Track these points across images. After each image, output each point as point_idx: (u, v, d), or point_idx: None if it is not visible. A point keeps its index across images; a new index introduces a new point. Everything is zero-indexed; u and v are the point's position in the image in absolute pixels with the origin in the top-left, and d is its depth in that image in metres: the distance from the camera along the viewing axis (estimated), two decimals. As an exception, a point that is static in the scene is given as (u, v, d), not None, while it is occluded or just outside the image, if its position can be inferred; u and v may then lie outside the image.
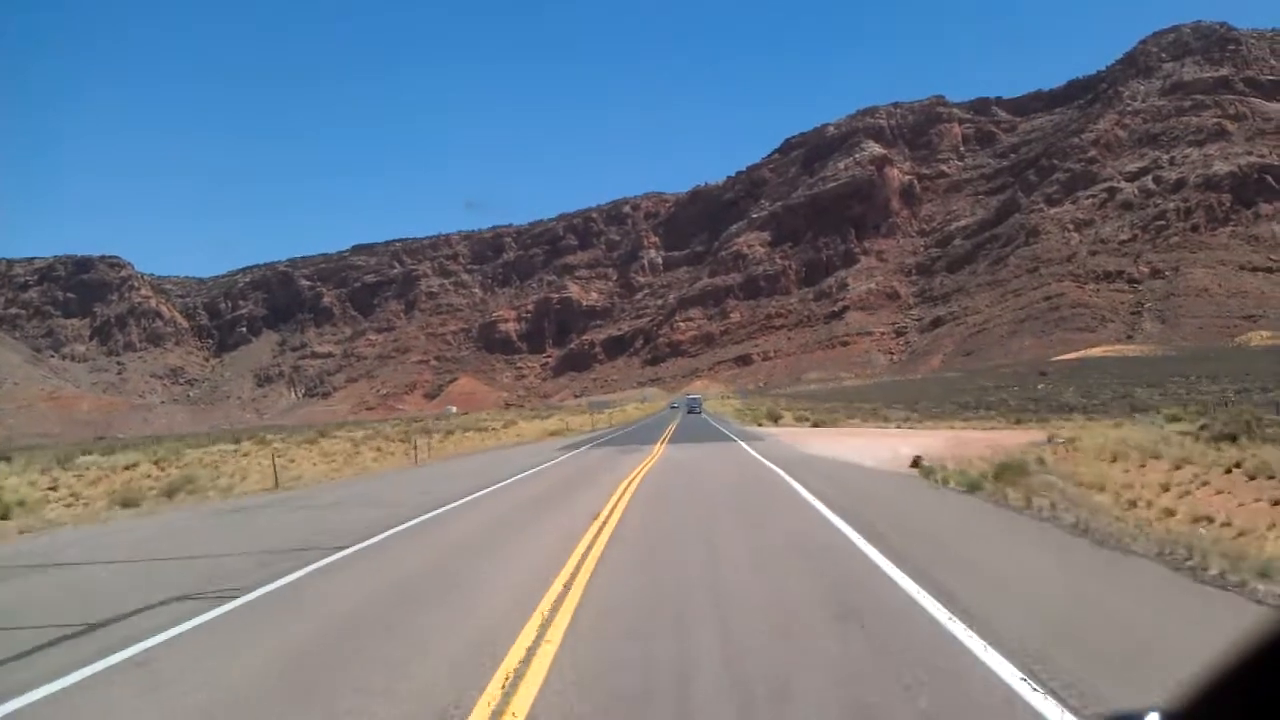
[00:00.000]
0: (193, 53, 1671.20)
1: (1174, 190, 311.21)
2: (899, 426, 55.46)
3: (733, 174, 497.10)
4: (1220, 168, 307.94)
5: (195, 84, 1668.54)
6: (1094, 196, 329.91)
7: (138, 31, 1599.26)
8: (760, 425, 68.69)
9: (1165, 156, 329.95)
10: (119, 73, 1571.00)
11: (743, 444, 40.46)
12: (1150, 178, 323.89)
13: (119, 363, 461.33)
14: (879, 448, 30.76)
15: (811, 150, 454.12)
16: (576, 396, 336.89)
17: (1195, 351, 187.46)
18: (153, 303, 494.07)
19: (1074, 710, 5.40)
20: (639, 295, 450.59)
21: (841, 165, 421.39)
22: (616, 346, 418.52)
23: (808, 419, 72.77)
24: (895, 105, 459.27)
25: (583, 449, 44.27)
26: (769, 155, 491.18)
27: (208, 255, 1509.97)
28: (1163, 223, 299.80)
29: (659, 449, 39.54)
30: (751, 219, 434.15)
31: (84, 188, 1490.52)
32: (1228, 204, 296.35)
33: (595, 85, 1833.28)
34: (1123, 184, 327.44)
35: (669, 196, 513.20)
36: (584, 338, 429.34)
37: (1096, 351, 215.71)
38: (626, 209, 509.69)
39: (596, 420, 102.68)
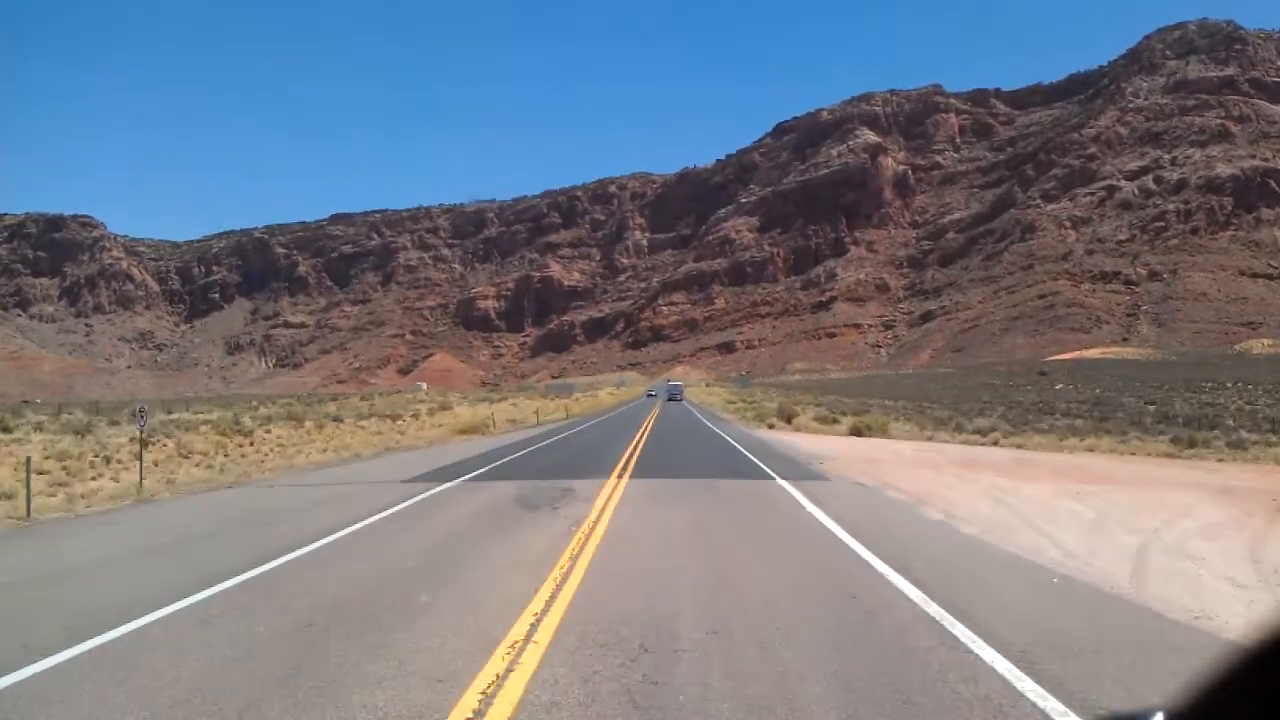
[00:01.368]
0: (173, 8, 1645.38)
1: (1174, 191, 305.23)
2: (995, 443, 36.48)
3: (722, 157, 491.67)
4: (1222, 170, 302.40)
5: (175, 39, 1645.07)
6: (1092, 194, 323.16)
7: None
8: (770, 427, 51.40)
9: (1166, 156, 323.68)
10: (96, 30, 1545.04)
11: (786, 485, 20.19)
12: (1150, 177, 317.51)
13: (87, 324, 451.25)
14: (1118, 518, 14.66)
15: (804, 135, 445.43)
16: (554, 377, 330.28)
17: (1196, 357, 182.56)
18: (124, 264, 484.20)
19: None
20: (622, 277, 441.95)
21: (834, 152, 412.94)
22: (597, 328, 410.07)
23: (834, 420, 53.31)
24: (891, 93, 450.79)
25: (455, 485, 21.48)
26: (760, 139, 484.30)
27: (184, 218, 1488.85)
28: (1162, 224, 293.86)
29: (609, 494, 18.59)
30: (740, 204, 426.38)
31: (57, 144, 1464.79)
32: (1229, 207, 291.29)
33: (585, 61, 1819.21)
34: (1122, 183, 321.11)
35: (656, 177, 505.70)
36: (564, 318, 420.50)
37: (1093, 353, 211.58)
38: (612, 189, 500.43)
39: (550, 410, 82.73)
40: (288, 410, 70.47)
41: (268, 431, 47.20)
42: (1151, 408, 55.99)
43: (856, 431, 43.72)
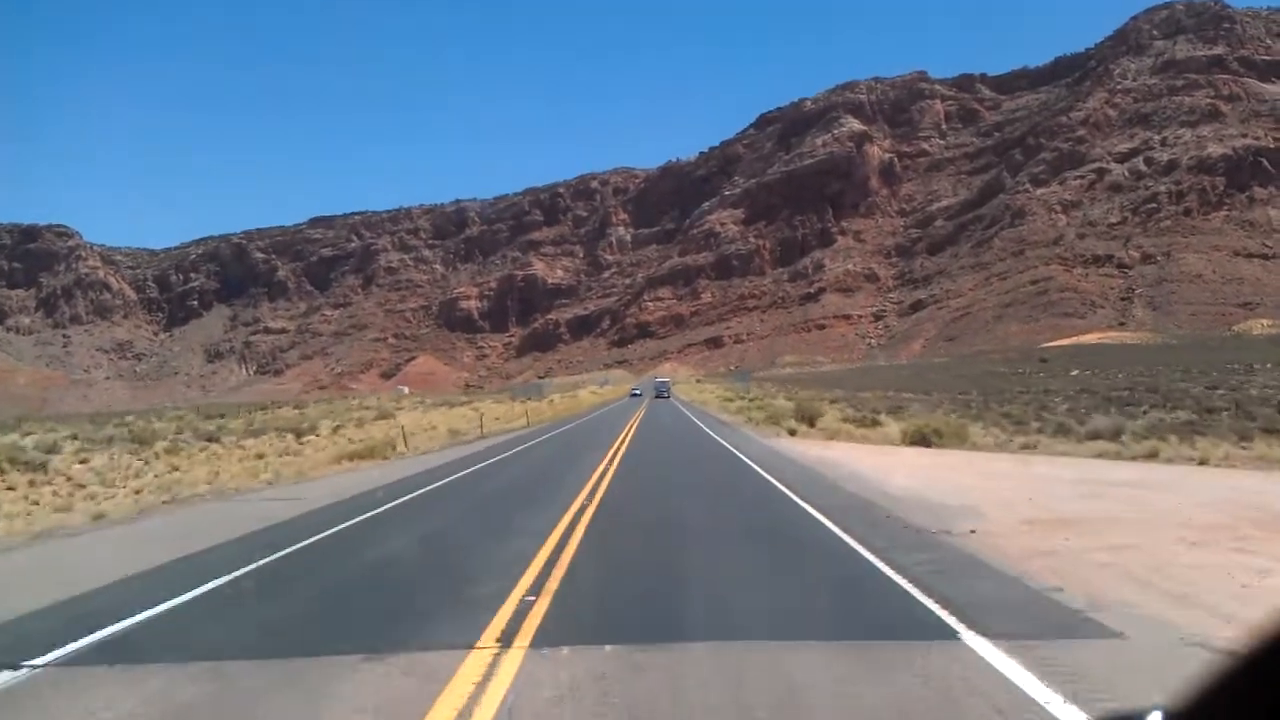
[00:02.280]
0: (144, 14, 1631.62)
1: (1165, 172, 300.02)
2: (1098, 454, 26.80)
3: (705, 150, 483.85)
4: (1214, 150, 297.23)
5: (147, 45, 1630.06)
6: (1082, 177, 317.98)
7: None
8: (792, 434, 40.84)
9: (1156, 137, 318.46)
10: (68, 38, 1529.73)
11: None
12: (1141, 159, 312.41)
13: (65, 335, 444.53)
14: None
15: (788, 126, 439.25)
16: (540, 377, 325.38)
17: (1195, 340, 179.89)
18: (101, 274, 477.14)
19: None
20: (606, 274, 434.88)
21: (819, 142, 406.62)
22: (582, 326, 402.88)
23: (872, 422, 42.18)
24: (876, 80, 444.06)
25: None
26: (743, 131, 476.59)
27: (161, 225, 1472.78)
28: (1154, 206, 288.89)
29: None
30: (724, 196, 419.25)
31: (30, 153, 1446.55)
32: (1221, 187, 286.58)
33: (564, 57, 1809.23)
34: (1112, 165, 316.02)
35: (639, 172, 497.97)
36: (548, 317, 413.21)
37: (1090, 338, 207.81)
38: (595, 184, 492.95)
39: (513, 416, 68.88)
40: (144, 429, 58.04)
41: (83, 462, 37.89)
42: (1215, 393, 49.38)
43: (921, 440, 32.20)
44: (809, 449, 32.77)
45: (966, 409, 49.26)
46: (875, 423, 41.91)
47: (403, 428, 48.43)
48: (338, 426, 57.24)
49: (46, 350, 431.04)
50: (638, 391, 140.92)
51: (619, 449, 33.41)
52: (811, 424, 44.10)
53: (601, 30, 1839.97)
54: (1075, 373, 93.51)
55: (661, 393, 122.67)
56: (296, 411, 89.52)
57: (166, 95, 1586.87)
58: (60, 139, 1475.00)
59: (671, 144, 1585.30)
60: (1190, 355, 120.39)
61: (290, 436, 49.46)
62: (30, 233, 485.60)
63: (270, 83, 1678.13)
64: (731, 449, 33.34)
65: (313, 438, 49.61)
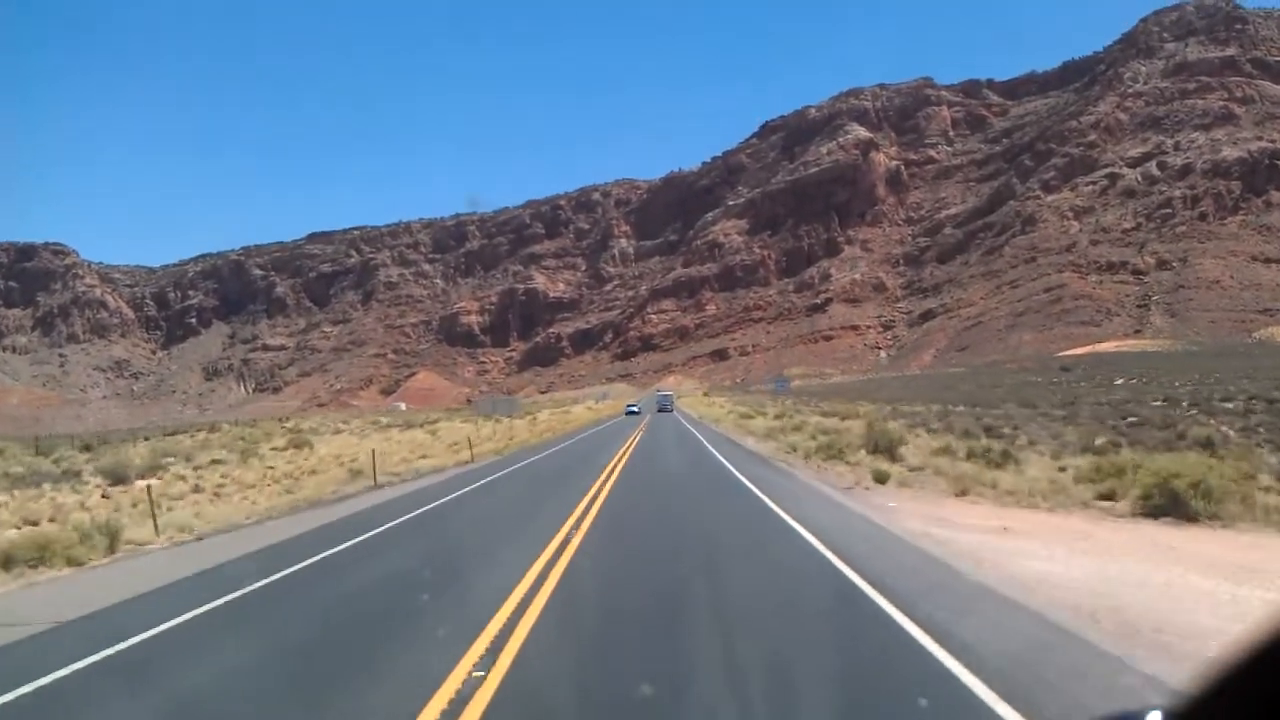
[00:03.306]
0: (141, 29, 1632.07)
1: (1180, 177, 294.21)
2: None
3: (708, 159, 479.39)
4: (1228, 153, 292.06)
5: (142, 60, 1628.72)
6: (1094, 183, 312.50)
7: (84, 8, 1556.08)
8: (880, 482, 24.67)
9: (1169, 141, 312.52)
10: (62, 53, 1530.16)
11: None
12: (1154, 163, 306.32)
13: (61, 355, 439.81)
14: None
15: (792, 134, 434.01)
16: (542, 392, 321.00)
17: (1219, 347, 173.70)
18: (98, 292, 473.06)
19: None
20: (609, 286, 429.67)
21: (824, 150, 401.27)
22: (584, 340, 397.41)
23: (986, 458, 27.17)
24: (881, 87, 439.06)
25: None
26: (746, 139, 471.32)
27: (159, 243, 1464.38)
28: (1168, 211, 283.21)
29: None
30: (728, 206, 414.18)
31: (25, 171, 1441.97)
32: (1237, 191, 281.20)
33: (563, 66, 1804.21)
34: (1125, 170, 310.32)
35: (641, 183, 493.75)
36: (550, 330, 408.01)
37: (1107, 347, 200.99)
38: (596, 196, 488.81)
39: (483, 439, 56.76)
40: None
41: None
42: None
43: (1170, 502, 17.31)
44: (964, 532, 16.55)
45: (1079, 426, 38.78)
46: (987, 458, 26.87)
47: (433, 441, 38.66)
48: (203, 465, 43.95)
49: (43, 370, 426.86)
50: (635, 409, 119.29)
51: (583, 520, 18.81)
52: (891, 457, 29.61)
53: (601, 40, 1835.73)
54: (1119, 381, 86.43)
55: (664, 406, 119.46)
56: (202, 436, 79.34)
57: (164, 111, 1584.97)
58: (57, 156, 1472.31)
59: (674, 154, 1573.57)
60: (1225, 362, 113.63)
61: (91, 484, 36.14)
62: (26, 251, 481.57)
63: (266, 97, 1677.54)
64: (789, 520, 17.93)
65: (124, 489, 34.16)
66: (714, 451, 40.60)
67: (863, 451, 31.39)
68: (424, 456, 43.47)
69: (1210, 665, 1.32)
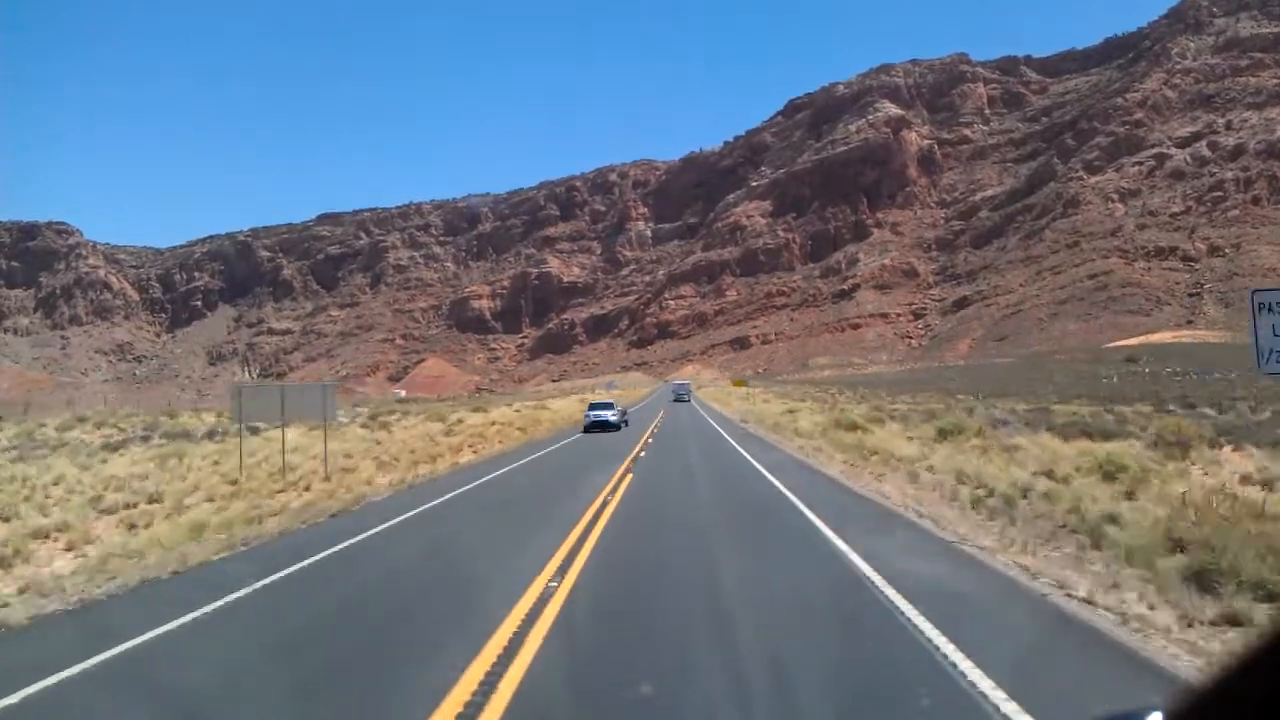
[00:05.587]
0: (149, 7, 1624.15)
1: (1232, 158, 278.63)
2: None
3: (730, 139, 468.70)
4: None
5: (151, 38, 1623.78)
6: (1140, 164, 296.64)
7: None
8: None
9: (1220, 120, 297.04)
10: (69, 31, 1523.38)
11: None
12: (1204, 144, 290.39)
13: (63, 337, 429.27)
14: None
15: (819, 112, 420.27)
16: (554, 380, 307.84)
17: None
18: (101, 273, 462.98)
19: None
20: (625, 271, 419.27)
21: (853, 128, 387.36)
22: (599, 327, 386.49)
23: None
24: (913, 63, 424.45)
25: None
26: (771, 118, 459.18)
27: (166, 223, 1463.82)
28: (1220, 194, 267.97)
29: None
30: (751, 188, 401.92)
31: (29, 148, 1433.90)
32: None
33: (581, 43, 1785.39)
34: (1173, 150, 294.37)
35: (660, 164, 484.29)
36: (564, 317, 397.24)
37: (1162, 337, 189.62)
38: (613, 177, 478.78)
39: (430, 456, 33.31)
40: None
41: None
42: None
43: None
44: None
45: None
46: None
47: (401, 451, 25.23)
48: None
49: (44, 352, 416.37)
50: (609, 416, 54.60)
51: None
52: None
53: (620, 16, 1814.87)
54: (1217, 375, 70.65)
55: (681, 396, 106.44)
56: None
57: (171, 90, 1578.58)
58: (61, 134, 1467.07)
59: (694, 133, 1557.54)
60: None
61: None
62: (29, 230, 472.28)
63: (277, 76, 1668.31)
64: None
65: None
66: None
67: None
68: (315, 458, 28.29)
69: (1211, 667, 2.10)
